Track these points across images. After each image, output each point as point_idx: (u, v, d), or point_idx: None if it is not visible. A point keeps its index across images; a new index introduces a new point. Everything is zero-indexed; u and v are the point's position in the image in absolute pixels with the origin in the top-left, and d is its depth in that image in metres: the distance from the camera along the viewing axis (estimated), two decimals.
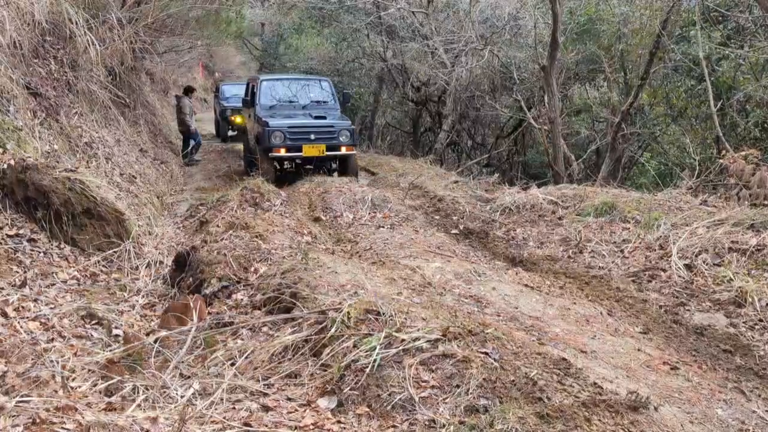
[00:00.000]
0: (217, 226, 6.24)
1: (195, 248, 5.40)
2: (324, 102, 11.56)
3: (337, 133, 10.27)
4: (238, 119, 16.99)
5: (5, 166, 5.15)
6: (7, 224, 4.95)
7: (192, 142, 13.24)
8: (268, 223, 6.32)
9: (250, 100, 11.58)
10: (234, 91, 18.05)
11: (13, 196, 5.13)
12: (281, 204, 7.33)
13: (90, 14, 8.29)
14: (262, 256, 5.18)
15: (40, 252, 4.91)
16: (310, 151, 10.09)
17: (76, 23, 7.60)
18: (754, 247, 5.21)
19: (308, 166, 10.74)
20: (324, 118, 10.63)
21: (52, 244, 5.10)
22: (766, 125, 10.14)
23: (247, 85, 12.72)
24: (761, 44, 9.85)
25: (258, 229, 5.98)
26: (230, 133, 17.53)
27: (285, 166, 10.99)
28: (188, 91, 13.55)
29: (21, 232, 4.95)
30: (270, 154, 10.03)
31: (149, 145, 11.41)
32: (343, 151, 10.29)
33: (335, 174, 10.87)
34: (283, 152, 10.12)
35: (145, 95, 14.42)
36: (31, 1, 6.53)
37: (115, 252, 5.40)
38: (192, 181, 11.06)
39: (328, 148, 10.17)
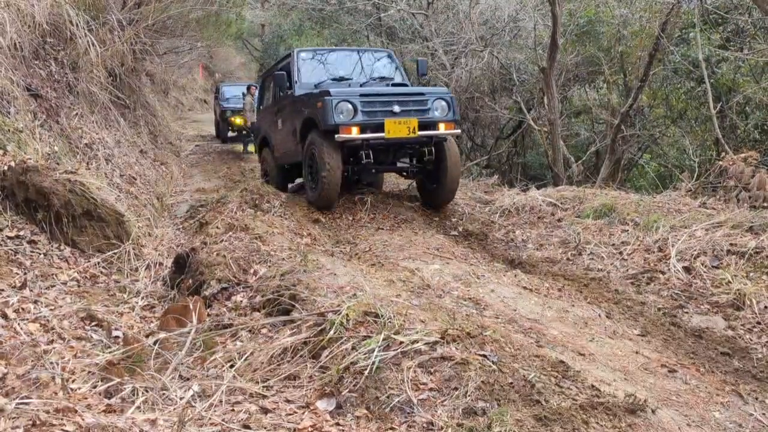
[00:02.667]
0: (217, 227, 6.25)
1: (195, 250, 5.42)
2: (389, 79, 8.45)
3: (431, 102, 7.19)
4: (237, 120, 17.00)
5: (6, 167, 5.16)
6: (7, 226, 4.96)
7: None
8: (267, 224, 6.33)
9: (275, 89, 8.91)
10: (234, 92, 18.08)
11: (14, 198, 5.14)
12: (281, 205, 7.33)
13: (90, 16, 8.31)
14: (262, 258, 5.19)
15: (40, 254, 4.91)
16: (396, 129, 6.88)
17: (77, 25, 7.61)
18: (752, 249, 5.22)
19: (375, 167, 7.48)
20: (405, 86, 8.04)
21: (52, 246, 5.11)
22: (765, 127, 10.15)
23: (262, 83, 10.38)
24: (761, 46, 9.86)
25: (257, 230, 5.99)
26: (230, 134, 17.54)
27: (362, 161, 7.11)
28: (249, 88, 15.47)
29: (21, 233, 4.96)
30: (336, 137, 6.83)
31: (149, 146, 11.41)
32: (442, 129, 7.17)
33: (418, 177, 8.01)
34: (355, 132, 6.87)
35: (146, 96, 14.44)
36: (32, 2, 6.54)
37: (115, 253, 5.41)
38: (192, 182, 11.07)
39: (422, 126, 7.01)
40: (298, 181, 9.14)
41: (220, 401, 3.11)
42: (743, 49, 10.37)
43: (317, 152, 7.04)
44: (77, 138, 6.98)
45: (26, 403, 2.82)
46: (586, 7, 13.84)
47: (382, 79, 8.41)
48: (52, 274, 4.74)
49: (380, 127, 6.91)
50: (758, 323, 4.44)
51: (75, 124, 7.13)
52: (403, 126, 6.92)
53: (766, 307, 4.61)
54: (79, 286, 4.79)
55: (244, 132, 17.07)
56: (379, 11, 16.72)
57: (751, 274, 4.98)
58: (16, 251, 4.74)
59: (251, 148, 15.33)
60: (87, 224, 5.35)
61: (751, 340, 4.28)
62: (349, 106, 6.85)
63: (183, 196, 9.46)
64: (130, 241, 5.58)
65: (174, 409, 3.04)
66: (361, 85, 7.99)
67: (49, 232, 5.16)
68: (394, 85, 8.04)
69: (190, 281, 5.04)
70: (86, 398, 3.07)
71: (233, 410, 3.07)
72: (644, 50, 12.10)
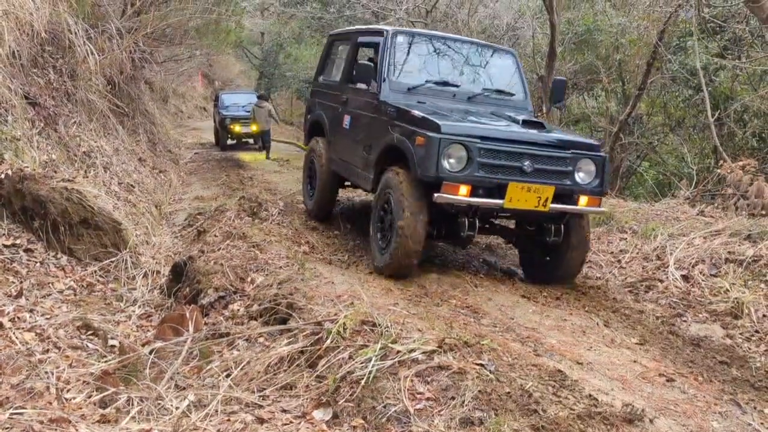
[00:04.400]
0: (215, 235, 6.24)
1: (192, 258, 5.40)
2: (507, 95, 6.12)
3: (575, 161, 4.95)
4: (237, 128, 17.01)
5: (2, 176, 5.16)
6: (3, 234, 4.95)
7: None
8: (265, 232, 6.32)
9: (348, 65, 6.58)
10: (233, 100, 18.10)
11: (10, 206, 5.14)
12: (279, 214, 7.32)
13: (89, 24, 8.33)
14: (259, 266, 5.18)
15: (36, 262, 4.90)
16: (521, 197, 4.76)
17: (76, 33, 7.63)
18: (750, 257, 5.22)
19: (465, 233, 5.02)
20: (541, 126, 5.30)
21: (48, 254, 5.10)
22: (763, 135, 10.18)
23: (329, 46, 7.61)
24: (758, 55, 9.90)
25: (255, 238, 5.98)
26: (229, 141, 17.55)
27: (459, 226, 4.99)
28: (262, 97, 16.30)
29: (17, 242, 4.95)
30: (436, 196, 4.69)
31: (148, 154, 11.41)
32: (583, 204, 5.02)
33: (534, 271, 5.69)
34: (464, 193, 4.71)
35: (145, 104, 14.44)
36: (31, 11, 6.56)
37: (112, 262, 5.40)
38: (190, 190, 11.06)
39: (558, 197, 4.89)
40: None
41: (216, 411, 3.10)
42: (741, 57, 10.40)
43: (396, 202, 4.87)
44: (75, 146, 6.98)
45: (20, 413, 2.81)
46: (585, 15, 13.90)
47: (500, 93, 6.07)
48: (49, 283, 4.72)
49: (499, 190, 4.74)
50: (756, 332, 4.43)
51: (73, 132, 7.13)
52: (531, 195, 4.73)
53: (764, 315, 4.60)
54: (75, 295, 4.78)
55: (244, 140, 17.15)
56: (378, 19, 16.76)
57: (749, 282, 4.98)
58: (12, 260, 4.73)
59: (275, 155, 15.38)
60: (84, 232, 5.35)
61: (750, 348, 4.27)
62: (463, 152, 4.62)
63: (181, 204, 9.44)
64: (127, 250, 5.57)
65: (169, 419, 3.02)
66: (469, 99, 5.73)
67: (45, 241, 5.15)
68: (526, 122, 5.18)
69: (188, 290, 5.02)
70: (81, 408, 3.06)
71: (229, 420, 3.05)
72: (642, 59, 12.15)
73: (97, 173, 7.04)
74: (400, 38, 5.97)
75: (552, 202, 4.84)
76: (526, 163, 4.78)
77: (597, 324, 4.53)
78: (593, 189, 5.03)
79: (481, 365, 3.17)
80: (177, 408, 3.12)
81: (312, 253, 6.07)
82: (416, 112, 4.99)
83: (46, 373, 3.32)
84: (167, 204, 9.19)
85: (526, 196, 4.76)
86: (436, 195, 4.67)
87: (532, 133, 5.03)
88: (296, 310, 4.10)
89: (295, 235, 6.65)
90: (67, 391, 3.24)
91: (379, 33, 6.05)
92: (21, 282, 4.50)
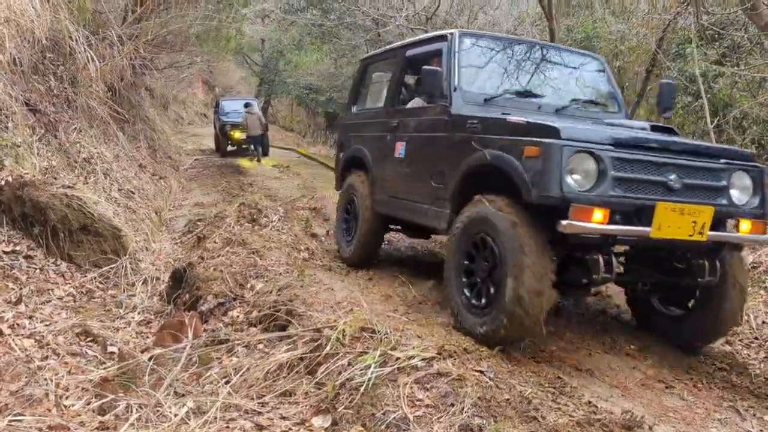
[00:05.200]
0: (215, 242, 6.24)
1: (192, 264, 5.41)
2: (601, 107, 5.21)
3: (728, 177, 3.87)
4: (237, 134, 17.09)
5: (3, 182, 5.17)
6: (3, 241, 4.95)
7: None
8: (265, 239, 6.33)
9: (395, 86, 5.71)
10: (234, 107, 18.16)
11: (10, 213, 5.14)
12: (279, 220, 7.33)
13: (90, 31, 8.36)
14: (259, 273, 5.18)
15: (36, 268, 4.91)
16: (672, 222, 3.58)
17: (77, 40, 7.66)
18: (749, 264, 5.21)
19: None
20: (672, 132, 4.44)
21: (48, 261, 5.10)
22: (762, 142, 10.19)
23: (363, 71, 6.61)
24: (756, 62, 9.93)
25: (255, 245, 5.98)
26: (229, 147, 17.60)
27: (603, 274, 3.61)
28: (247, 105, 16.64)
29: (17, 248, 4.95)
30: (564, 224, 3.40)
31: (148, 160, 11.43)
32: (745, 231, 3.89)
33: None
34: (599, 220, 3.45)
35: (145, 111, 14.48)
36: (32, 18, 6.58)
37: (111, 268, 5.40)
38: (190, 197, 11.07)
39: (718, 222, 3.83)
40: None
41: (215, 418, 3.09)
42: (739, 64, 10.43)
43: (501, 244, 3.59)
44: (75, 152, 7.00)
45: (19, 420, 2.81)
46: (584, 22, 13.93)
47: (592, 104, 5.13)
48: (48, 290, 4.73)
49: (639, 214, 3.58)
50: (756, 338, 4.43)
51: (73, 138, 7.14)
52: (685, 220, 3.58)
53: (763, 322, 4.60)
54: (74, 302, 4.78)
55: (244, 146, 17.23)
56: (378, 26, 16.81)
57: (749, 288, 4.98)
58: (11, 266, 4.73)
59: (267, 162, 15.47)
60: (84, 239, 5.35)
61: (749, 355, 4.27)
62: (592, 163, 3.47)
63: (181, 211, 9.45)
64: (127, 256, 5.57)
65: (168, 426, 3.02)
66: (557, 111, 4.72)
67: (45, 247, 5.16)
68: (655, 127, 4.32)
69: (187, 296, 5.02)
70: (79, 415, 3.06)
71: (228, 427, 3.05)
72: (641, 65, 12.18)
73: (97, 180, 7.05)
74: (467, 41, 4.92)
75: (714, 229, 3.69)
76: (673, 176, 3.60)
77: (596, 329, 4.50)
78: (754, 211, 3.83)
79: (481, 372, 3.17)
80: (176, 415, 3.12)
81: (311, 260, 6.08)
82: (517, 119, 3.86)
83: (45, 379, 3.32)
84: (167, 210, 9.20)
85: (678, 221, 3.54)
86: (564, 223, 3.35)
87: (676, 140, 3.91)
88: (296, 316, 4.10)
89: (294, 241, 6.66)
90: (66, 397, 3.24)
91: (440, 38, 5.02)
92: (20, 288, 4.50)
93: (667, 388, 3.59)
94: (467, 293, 3.91)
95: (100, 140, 8.21)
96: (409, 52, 5.53)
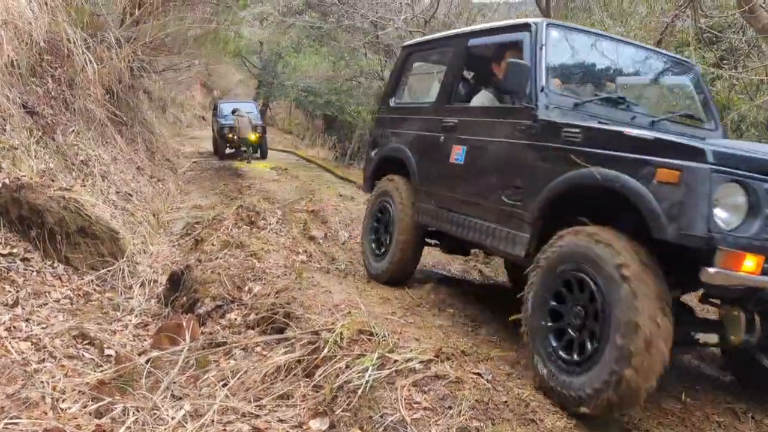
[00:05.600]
0: (213, 244, 6.23)
1: (189, 267, 5.40)
2: (697, 122, 4.54)
3: None
4: (235, 137, 17.13)
5: (0, 185, 5.16)
6: (0, 243, 4.94)
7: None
8: (263, 241, 6.32)
9: (451, 79, 4.87)
10: (232, 109, 18.19)
11: (7, 215, 5.13)
12: (277, 222, 7.32)
13: (88, 33, 8.36)
14: (257, 276, 5.17)
15: (33, 271, 4.89)
16: None
17: (74, 42, 7.65)
18: None
19: None
20: None
21: (45, 263, 5.09)
22: None
23: (403, 61, 5.70)
24: (755, 65, 9.94)
25: (253, 247, 5.97)
26: (228, 150, 17.60)
27: (743, 335, 3.05)
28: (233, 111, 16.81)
29: (14, 251, 4.94)
30: (710, 273, 2.68)
31: (146, 162, 11.42)
32: None
33: None
34: (750, 269, 2.68)
35: (143, 113, 14.48)
36: (29, 21, 6.58)
37: (109, 271, 5.39)
38: (189, 199, 11.07)
39: None
40: None
41: (212, 421, 3.08)
42: (737, 67, 10.44)
43: (613, 292, 2.86)
44: (73, 155, 6.99)
45: (15, 423, 2.80)
46: (582, 25, 13.97)
47: (689, 119, 4.44)
48: (45, 292, 4.71)
49: None
50: None
51: (71, 141, 7.13)
52: None
53: None
54: (72, 304, 4.77)
55: (242, 149, 17.29)
56: (377, 29, 16.83)
57: None
58: (8, 269, 4.72)
59: (263, 165, 15.57)
60: (81, 241, 5.34)
61: None
62: (742, 195, 2.78)
63: (179, 213, 9.45)
64: (124, 259, 5.56)
65: (165, 429, 3.01)
66: (652, 124, 4.03)
67: (42, 250, 5.15)
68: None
69: (185, 299, 5.01)
70: (76, 418, 3.04)
71: (225, 430, 3.04)
72: None
73: (95, 182, 7.04)
74: (554, 33, 4.12)
75: None
76: None
77: None
78: None
79: (479, 374, 3.16)
80: (173, 418, 3.11)
81: (309, 262, 6.07)
82: (640, 132, 3.20)
83: (42, 382, 3.31)
84: (165, 213, 9.19)
85: None
86: (711, 272, 2.68)
87: None
88: (293, 319, 4.09)
89: (292, 244, 6.65)
90: (63, 401, 3.23)
91: (519, 28, 4.16)
92: (17, 291, 4.49)
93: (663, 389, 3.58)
94: (553, 342, 3.16)
95: (97, 143, 8.20)
96: (474, 42, 4.70)
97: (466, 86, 4.93)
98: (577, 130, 3.38)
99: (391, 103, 5.58)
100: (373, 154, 5.68)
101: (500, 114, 4.14)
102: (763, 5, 7.15)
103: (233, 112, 17.02)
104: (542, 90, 3.77)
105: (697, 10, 9.83)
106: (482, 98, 4.56)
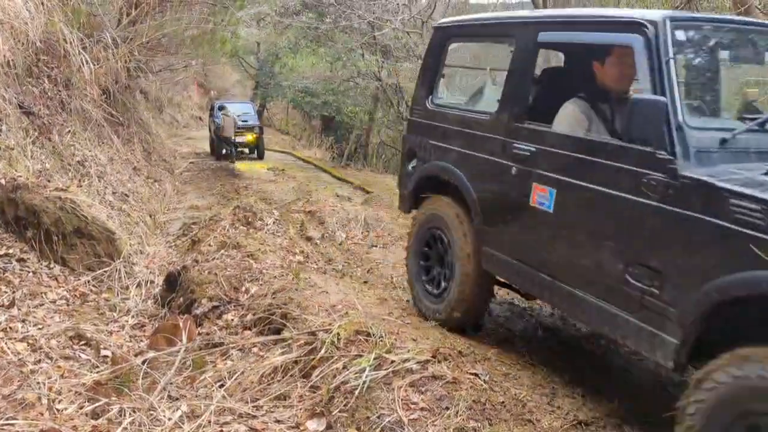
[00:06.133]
0: (209, 245, 6.21)
1: (186, 268, 5.38)
2: None
3: None
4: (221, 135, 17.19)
5: None
6: None
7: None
8: (260, 242, 6.30)
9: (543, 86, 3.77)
10: (230, 110, 18.20)
11: (3, 216, 5.12)
12: (274, 223, 7.31)
13: (84, 34, 8.35)
14: (254, 276, 5.16)
15: (29, 272, 4.88)
16: None
17: (71, 43, 7.64)
18: None
19: None
20: None
21: (41, 264, 5.08)
22: None
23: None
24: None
25: (250, 248, 5.95)
26: (224, 151, 17.60)
27: None
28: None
29: (10, 251, 4.92)
30: None
31: (143, 163, 11.41)
32: None
33: None
34: None
35: (140, 114, 14.47)
36: (26, 21, 6.57)
37: (105, 271, 5.38)
38: (185, 200, 11.06)
39: None
40: None
41: (209, 422, 3.08)
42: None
43: None
44: (69, 155, 6.98)
45: (11, 424, 2.79)
46: None
47: None
48: (41, 293, 4.70)
49: None
50: None
51: (67, 141, 7.12)
52: None
53: None
54: (68, 305, 4.75)
55: (239, 149, 17.37)
56: (373, 30, 16.84)
57: None
58: (4, 269, 4.71)
59: (260, 165, 15.62)
60: (77, 242, 5.33)
61: None
62: None
63: (176, 214, 9.44)
64: (121, 259, 5.55)
65: (162, 430, 3.01)
66: None
67: (38, 250, 5.13)
68: None
69: (181, 299, 5.00)
70: (72, 419, 3.04)
71: (222, 431, 3.03)
72: None
73: (91, 182, 7.03)
74: (682, 35, 2.91)
75: None
76: None
77: (592, 333, 4.50)
78: None
79: (476, 375, 3.16)
80: (170, 419, 3.10)
81: (306, 263, 6.06)
82: None
83: (38, 383, 3.30)
84: (162, 213, 9.18)
85: None
86: None
87: None
88: (290, 319, 4.09)
89: (289, 244, 6.64)
90: (59, 401, 3.22)
91: (625, 26, 2.94)
92: (13, 292, 4.48)
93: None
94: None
95: (94, 143, 8.18)
96: (546, 37, 3.47)
97: (540, 91, 3.70)
98: (757, 207, 2.25)
99: (428, 103, 4.31)
100: (410, 167, 4.49)
101: (612, 154, 2.88)
102: (759, 6, 7.18)
103: (221, 109, 17.09)
104: (679, 129, 2.61)
105: (694, 11, 9.87)
106: (571, 116, 3.31)
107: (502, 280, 3.88)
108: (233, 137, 16.25)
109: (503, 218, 3.60)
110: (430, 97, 4.33)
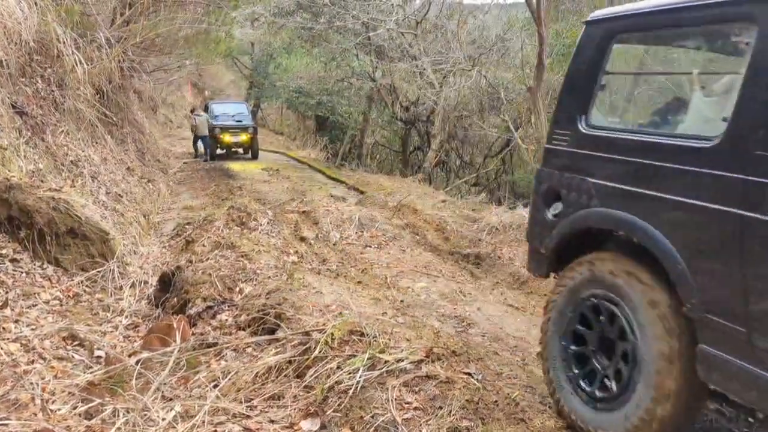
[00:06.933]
0: (203, 245, 6.21)
1: (180, 268, 5.38)
2: None
3: None
4: (226, 138, 17.16)
5: None
6: None
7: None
8: (254, 242, 6.31)
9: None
10: (223, 110, 18.19)
11: None
12: (268, 223, 7.31)
13: (78, 33, 8.32)
14: (248, 276, 5.16)
15: (22, 272, 4.86)
16: None
17: (64, 42, 7.61)
18: None
19: None
20: None
21: (34, 264, 5.06)
22: None
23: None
24: None
25: (244, 248, 5.96)
26: (219, 151, 17.58)
27: None
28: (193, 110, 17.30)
29: (3, 252, 4.90)
30: None
31: (137, 163, 11.37)
32: None
33: None
34: None
35: (133, 114, 14.41)
36: (19, 20, 6.54)
37: (99, 272, 5.36)
38: (179, 200, 11.03)
39: None
40: None
41: (203, 422, 3.08)
42: None
43: None
44: (63, 155, 6.95)
45: (4, 425, 2.78)
46: (572, 27, 14.03)
47: None
48: (34, 293, 4.68)
49: None
50: None
51: (61, 141, 7.10)
52: None
53: None
54: (61, 305, 4.74)
55: (234, 149, 17.39)
56: (368, 30, 16.84)
57: None
58: None
59: (254, 166, 15.79)
60: (71, 242, 5.31)
61: None
62: None
63: (170, 214, 9.41)
64: (114, 260, 5.53)
65: (155, 430, 3.00)
66: None
67: (31, 251, 5.11)
68: None
69: (175, 300, 5.00)
70: (66, 419, 3.03)
71: (216, 431, 3.03)
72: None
73: (85, 183, 7.00)
74: None
75: None
76: None
77: None
78: None
79: (469, 374, 3.18)
80: (163, 419, 3.10)
81: (301, 263, 6.07)
82: None
83: (31, 384, 3.29)
84: (155, 214, 9.16)
85: None
86: None
87: None
88: (284, 320, 4.09)
89: (283, 244, 6.64)
90: (53, 402, 3.21)
91: None
92: (6, 292, 4.46)
93: None
94: None
95: (87, 143, 8.16)
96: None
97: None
98: None
99: (582, 125, 3.13)
100: (551, 214, 3.23)
101: None
102: None
103: (192, 111, 17.47)
104: None
105: None
106: None
107: (732, 399, 2.49)
108: (207, 135, 16.72)
109: (746, 308, 2.28)
110: (584, 116, 3.13)
